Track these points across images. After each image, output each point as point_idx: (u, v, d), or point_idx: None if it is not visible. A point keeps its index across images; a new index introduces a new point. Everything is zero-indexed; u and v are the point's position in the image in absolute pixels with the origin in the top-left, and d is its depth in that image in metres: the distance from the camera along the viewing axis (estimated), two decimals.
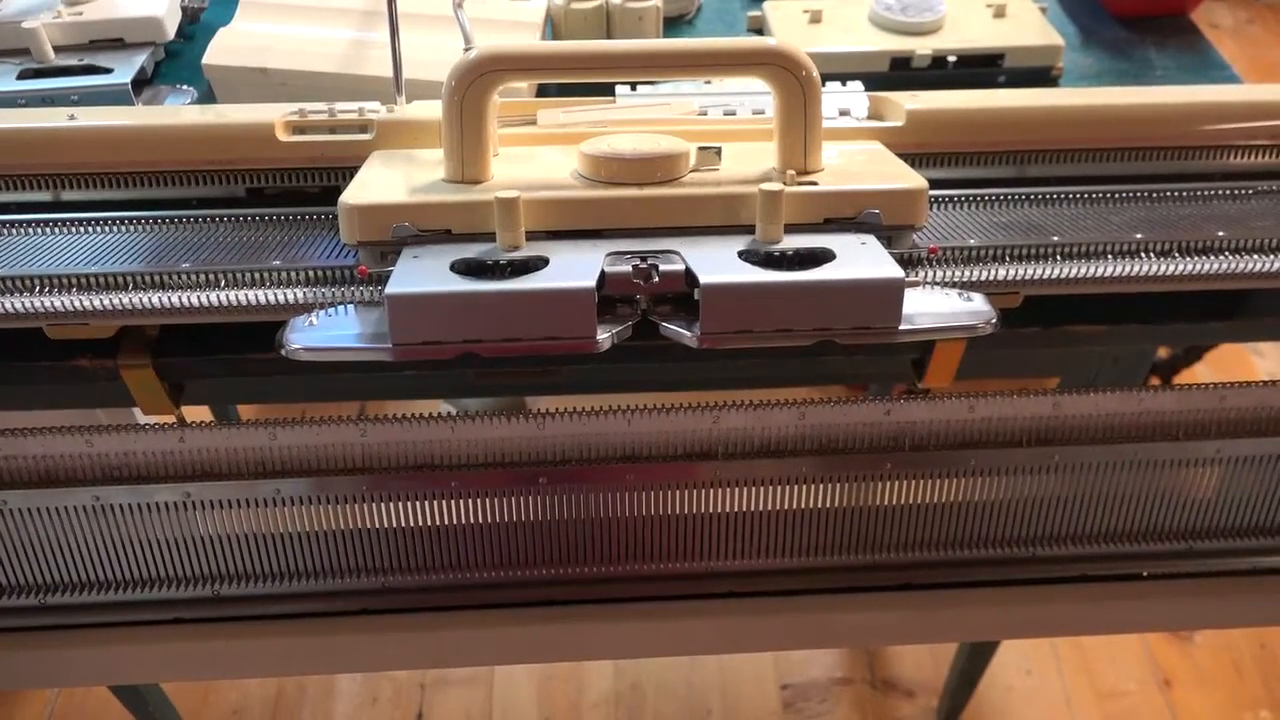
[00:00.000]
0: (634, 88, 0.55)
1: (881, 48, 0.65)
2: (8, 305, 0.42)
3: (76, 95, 0.60)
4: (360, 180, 0.45)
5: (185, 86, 0.63)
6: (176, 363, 0.48)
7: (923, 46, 0.64)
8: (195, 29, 0.70)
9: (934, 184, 0.45)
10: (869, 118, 0.53)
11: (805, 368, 0.55)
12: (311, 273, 0.43)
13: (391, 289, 0.38)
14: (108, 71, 0.61)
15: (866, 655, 1.21)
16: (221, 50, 0.61)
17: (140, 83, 0.62)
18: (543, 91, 0.63)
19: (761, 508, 0.49)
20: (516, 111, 0.52)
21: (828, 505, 0.49)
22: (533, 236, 0.42)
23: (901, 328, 0.40)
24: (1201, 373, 1.39)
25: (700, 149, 0.45)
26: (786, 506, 0.49)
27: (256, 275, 0.43)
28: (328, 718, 1.15)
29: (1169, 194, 0.51)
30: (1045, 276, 0.44)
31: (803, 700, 1.16)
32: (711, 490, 0.48)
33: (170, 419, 0.47)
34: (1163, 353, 1.30)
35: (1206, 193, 0.51)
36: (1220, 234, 0.46)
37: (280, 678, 1.18)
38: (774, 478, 0.48)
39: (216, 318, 0.42)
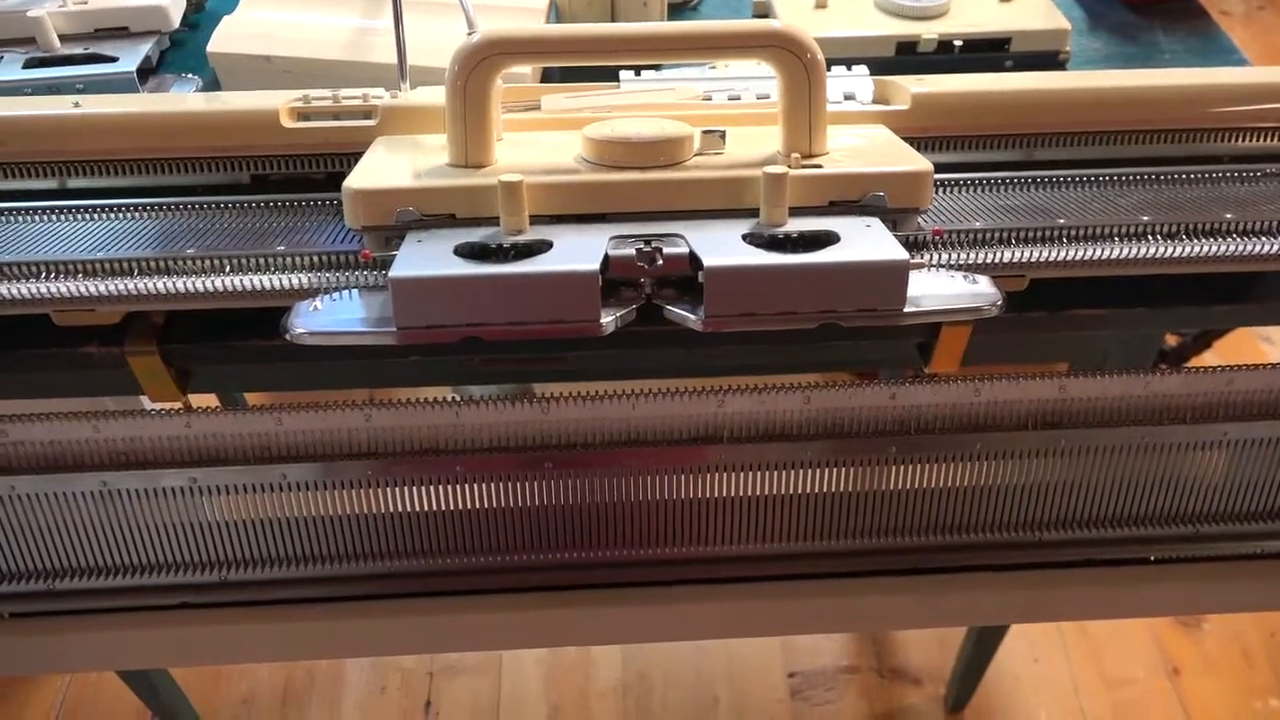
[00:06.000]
0: (638, 74, 0.55)
1: (887, 33, 0.64)
2: (15, 291, 0.42)
3: (82, 84, 0.60)
4: (364, 165, 0.45)
5: (190, 75, 0.63)
6: (183, 349, 0.48)
7: (929, 31, 0.64)
8: (200, 17, 0.70)
9: (940, 168, 0.44)
10: (874, 102, 0.52)
11: (811, 354, 0.55)
12: (316, 258, 0.43)
13: (395, 272, 0.38)
14: (113, 60, 0.62)
15: (874, 643, 1.21)
16: (226, 38, 0.61)
17: (145, 71, 0.63)
18: (547, 78, 0.63)
19: (767, 492, 0.49)
20: (520, 97, 0.52)
21: (833, 489, 0.49)
22: (536, 220, 0.42)
23: (906, 310, 0.40)
24: (1210, 361, 1.38)
25: (704, 133, 0.45)
26: (792, 491, 0.49)
27: (261, 261, 0.43)
28: (337, 706, 1.15)
29: (1176, 176, 0.51)
30: (1051, 259, 0.44)
31: (810, 688, 1.16)
32: (717, 474, 0.48)
33: (178, 406, 0.47)
34: (1171, 341, 1.29)
35: (1214, 175, 0.51)
36: (1228, 216, 0.46)
37: (289, 668, 1.19)
38: (779, 462, 0.48)
39: (222, 303, 0.42)
